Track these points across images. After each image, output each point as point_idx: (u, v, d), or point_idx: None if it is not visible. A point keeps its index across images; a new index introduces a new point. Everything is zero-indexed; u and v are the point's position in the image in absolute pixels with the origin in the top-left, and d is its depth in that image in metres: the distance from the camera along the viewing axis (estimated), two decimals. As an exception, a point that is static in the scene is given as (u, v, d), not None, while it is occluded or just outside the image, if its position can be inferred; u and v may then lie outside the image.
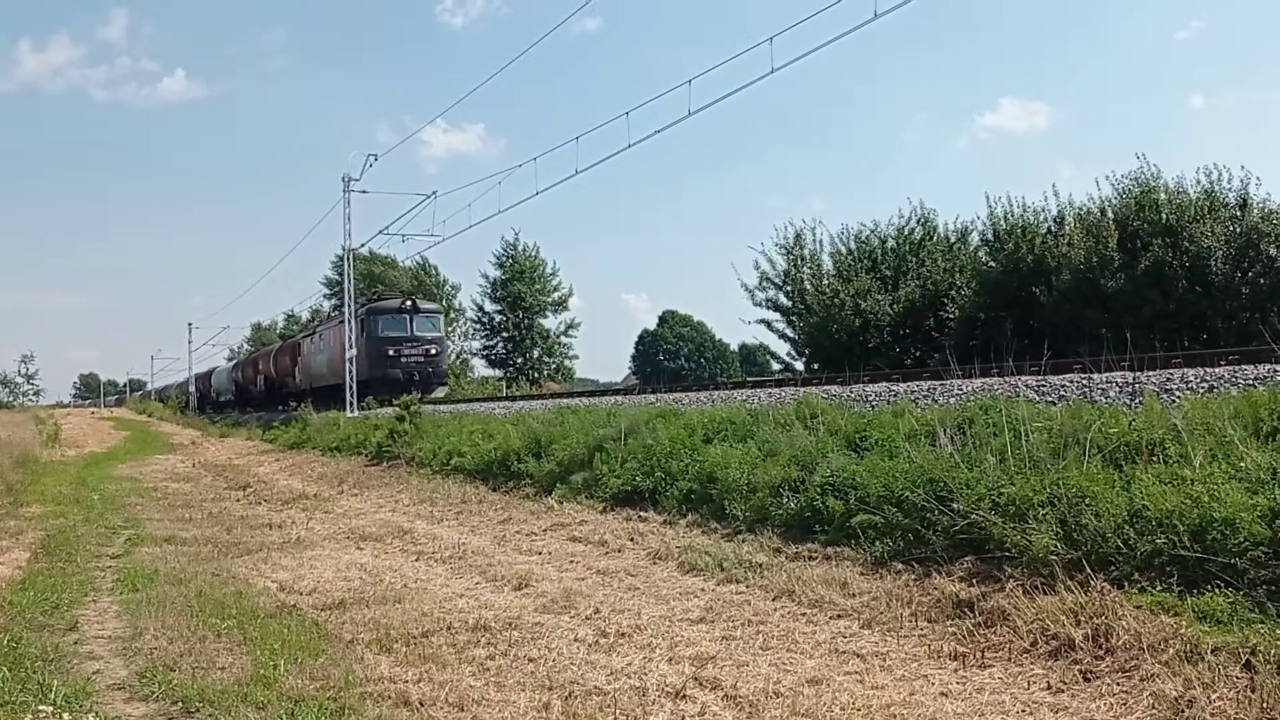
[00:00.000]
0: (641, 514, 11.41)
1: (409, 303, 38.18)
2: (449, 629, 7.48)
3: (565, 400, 23.14)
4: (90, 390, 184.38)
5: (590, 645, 6.90)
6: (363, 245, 43.77)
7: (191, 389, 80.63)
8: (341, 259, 43.85)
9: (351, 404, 33.77)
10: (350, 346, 35.26)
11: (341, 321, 39.65)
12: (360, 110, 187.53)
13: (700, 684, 5.91)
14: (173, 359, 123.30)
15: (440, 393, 37.22)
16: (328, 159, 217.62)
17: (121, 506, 16.93)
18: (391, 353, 35.39)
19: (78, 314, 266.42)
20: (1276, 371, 8.22)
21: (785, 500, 9.36)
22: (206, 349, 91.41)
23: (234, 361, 73.63)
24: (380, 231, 37.67)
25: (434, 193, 33.80)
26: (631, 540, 10.47)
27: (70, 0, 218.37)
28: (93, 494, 18.61)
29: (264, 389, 55.84)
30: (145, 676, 6.30)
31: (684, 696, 5.73)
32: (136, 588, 9.27)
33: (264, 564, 10.90)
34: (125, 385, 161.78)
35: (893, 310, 29.81)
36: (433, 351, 36.52)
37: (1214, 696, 4.87)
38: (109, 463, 29.45)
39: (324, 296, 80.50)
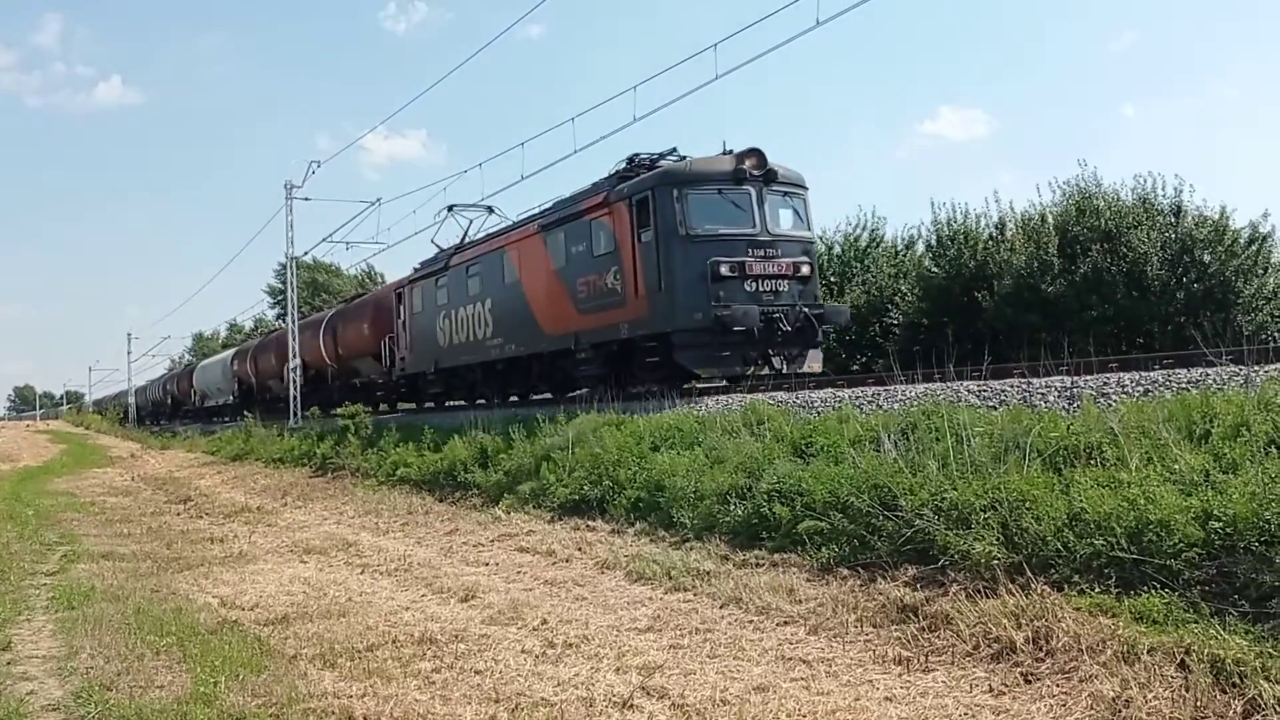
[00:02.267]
0: (589, 523, 11.38)
1: (752, 165, 16.16)
2: (394, 642, 7.41)
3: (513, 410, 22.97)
4: (25, 403, 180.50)
5: (537, 656, 6.87)
6: (306, 253, 43.24)
7: (131, 399, 79.02)
8: (284, 267, 43.24)
9: (295, 413, 33.26)
10: (294, 355, 34.55)
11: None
12: (300, 116, 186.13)
13: (648, 693, 5.91)
14: (111, 370, 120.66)
15: (816, 363, 16.47)
16: (267, 166, 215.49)
17: (57, 522, 16.56)
18: (727, 271, 15.44)
19: (11, 324, 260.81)
20: (1208, 375, 8.41)
21: (732, 507, 9.38)
22: (146, 360, 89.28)
23: (231, 355, 50.64)
24: (324, 239, 37.33)
25: (378, 199, 33.53)
26: (579, 550, 10.44)
27: (0, 6, 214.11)
28: (27, 509, 18.17)
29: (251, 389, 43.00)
30: (81, 697, 6.17)
31: (631, 706, 5.72)
32: (72, 605, 9.07)
33: (205, 579, 10.72)
34: (62, 397, 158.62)
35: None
36: (804, 270, 16.31)
37: (1150, 696, 4.96)
38: (44, 477, 28.80)
39: (268, 305, 79.58)
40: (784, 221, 16.29)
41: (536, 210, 20.36)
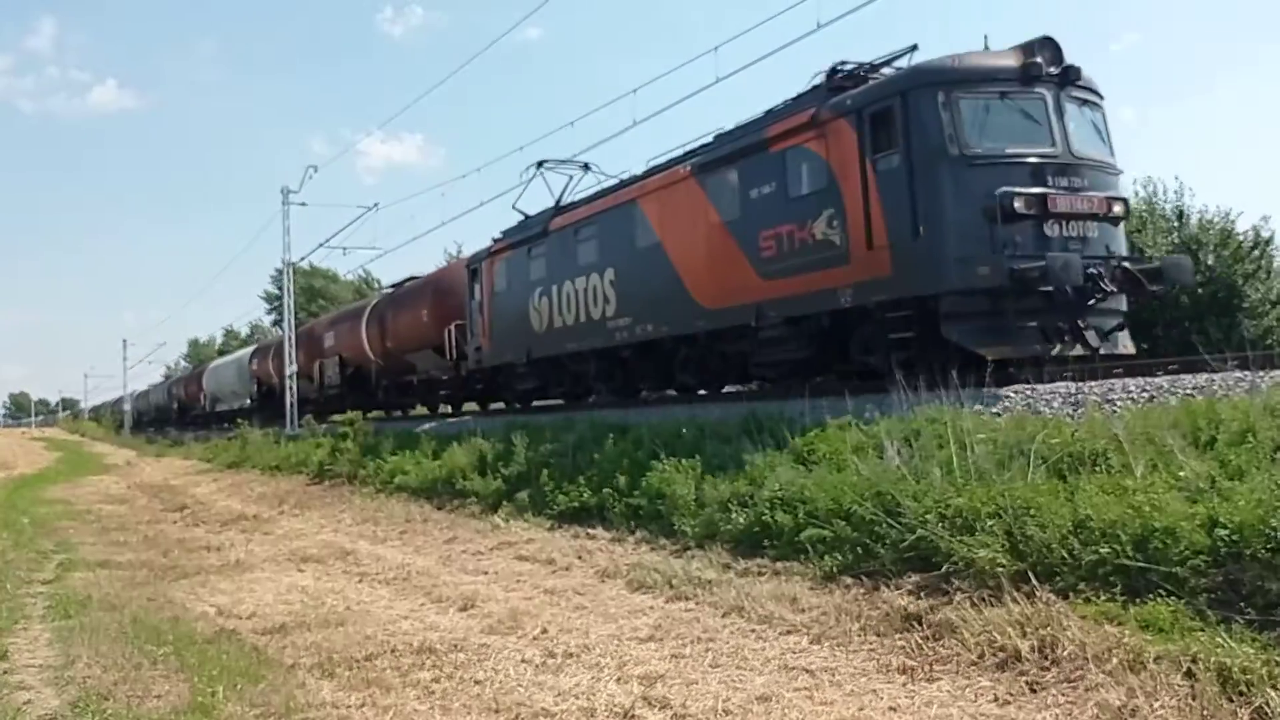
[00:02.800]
0: (589, 531, 11.33)
1: (1047, 59, 11.35)
2: (393, 652, 7.36)
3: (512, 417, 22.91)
4: (21, 410, 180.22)
5: (537, 666, 6.83)
6: (303, 259, 43.20)
7: (128, 406, 78.85)
8: (281, 273, 43.22)
9: (292, 420, 33.20)
10: (290, 362, 34.48)
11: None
12: (296, 120, 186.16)
13: (649, 703, 5.86)
14: (107, 377, 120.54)
15: (1128, 341, 11.71)
16: (263, 170, 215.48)
17: (53, 530, 16.49)
18: (1022, 207, 10.70)
19: (6, 331, 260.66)
20: (1214, 381, 8.39)
21: (734, 515, 9.34)
22: (142, 367, 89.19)
23: (250, 353, 46.49)
24: (321, 244, 37.08)
25: (375, 205, 33.44)
26: (579, 558, 10.39)
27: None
28: (22, 517, 18.10)
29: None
30: (78, 706, 6.12)
31: (633, 716, 5.68)
32: (69, 614, 9.02)
33: (202, 588, 10.68)
34: (58, 404, 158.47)
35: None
36: (1117, 209, 11.57)
37: (1156, 705, 4.93)
38: (40, 485, 28.72)
39: (264, 311, 79.64)
40: (1088, 141, 11.58)
41: (679, 151, 16.06)
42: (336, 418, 25.28)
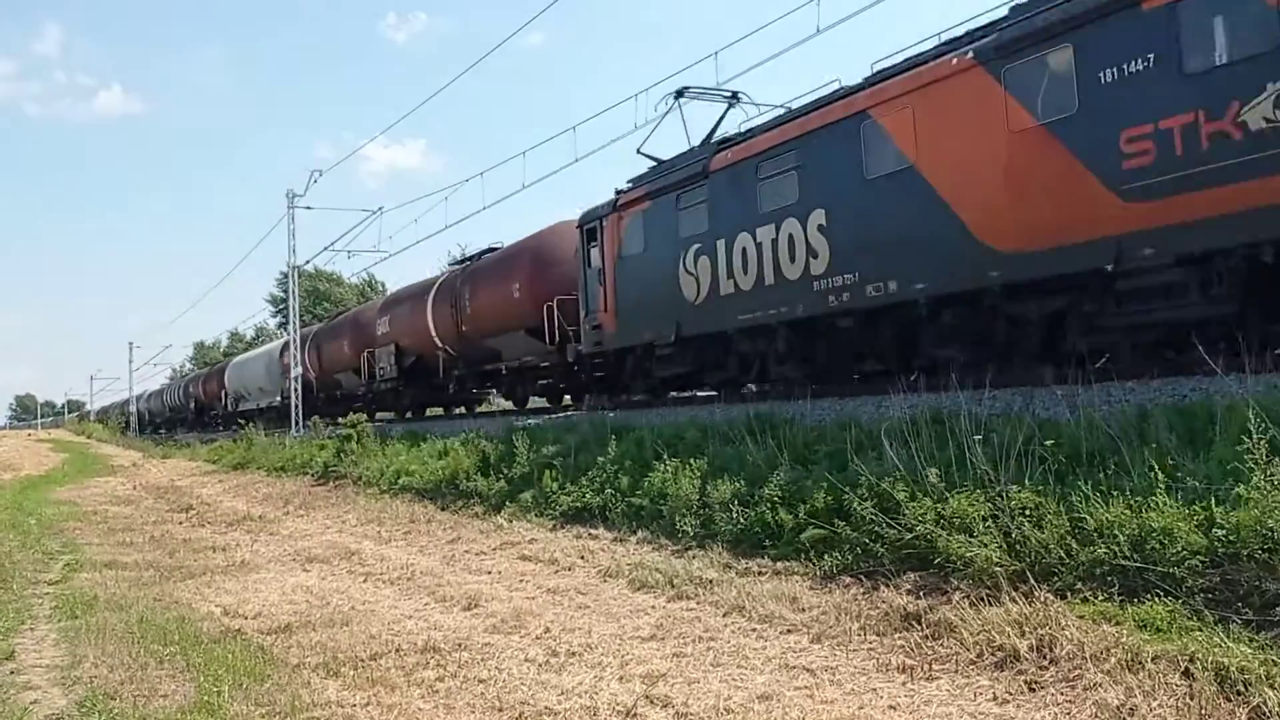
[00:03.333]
0: (592, 531, 11.38)
1: None
2: (397, 651, 7.42)
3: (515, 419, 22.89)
4: (27, 411, 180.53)
5: (541, 665, 6.88)
6: (307, 262, 43.32)
7: (133, 408, 78.87)
8: (286, 276, 43.29)
9: (298, 422, 33.28)
10: (295, 364, 34.56)
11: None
12: (300, 125, 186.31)
13: (651, 702, 5.91)
14: (113, 379, 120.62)
15: None
16: (268, 175, 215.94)
17: (59, 531, 16.57)
18: None
19: (12, 333, 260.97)
20: (1211, 382, 8.37)
21: (735, 515, 9.38)
22: (148, 369, 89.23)
23: (280, 346, 41.56)
24: (326, 248, 37.24)
25: (380, 208, 33.43)
26: (582, 558, 10.44)
27: (1, 14, 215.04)
28: (29, 518, 18.19)
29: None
30: (85, 706, 6.18)
31: (635, 715, 5.73)
32: (75, 614, 9.09)
33: (207, 588, 10.73)
34: (64, 406, 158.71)
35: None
36: None
37: (1154, 704, 4.96)
38: (46, 486, 28.81)
39: (269, 314, 79.83)
40: None
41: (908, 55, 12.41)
42: (344, 419, 24.71)
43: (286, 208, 35.64)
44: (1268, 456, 5.96)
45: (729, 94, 17.58)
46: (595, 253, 18.20)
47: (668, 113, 17.60)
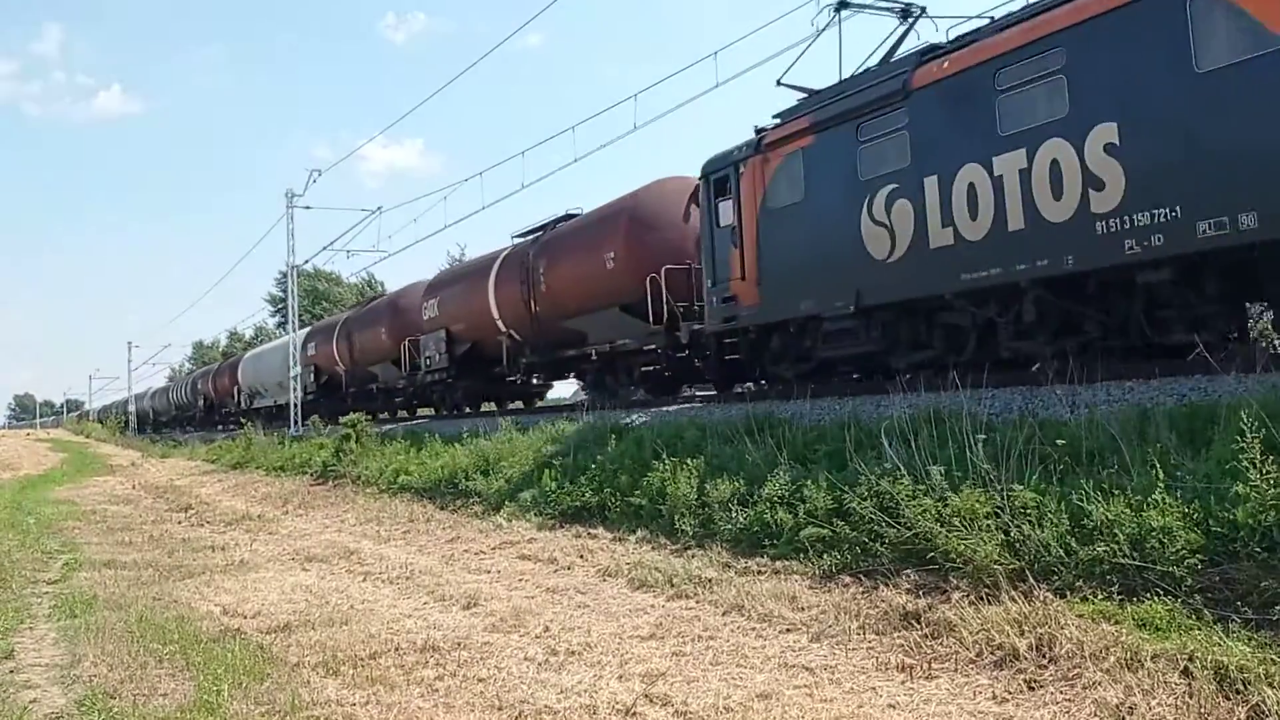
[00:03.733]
0: (591, 530, 11.38)
1: None
2: (397, 650, 7.42)
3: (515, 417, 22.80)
4: (25, 411, 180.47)
5: (540, 664, 6.88)
6: (307, 261, 43.29)
7: (132, 407, 78.73)
8: (285, 275, 43.27)
9: (296, 421, 33.26)
10: (295, 364, 34.56)
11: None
12: (299, 125, 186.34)
13: (650, 701, 5.91)
14: (112, 378, 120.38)
15: None
16: (267, 175, 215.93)
17: (58, 530, 16.56)
18: None
19: (11, 332, 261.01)
20: (1211, 381, 8.37)
21: (734, 514, 9.38)
22: (147, 368, 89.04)
23: (304, 336, 37.51)
24: (325, 248, 37.17)
25: (379, 208, 33.44)
26: (581, 557, 10.44)
27: (1, 14, 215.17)
28: (28, 518, 18.18)
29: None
30: (84, 705, 6.18)
31: (634, 714, 5.73)
32: (75, 614, 9.08)
33: (207, 587, 10.72)
34: (63, 406, 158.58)
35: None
36: None
37: (1153, 703, 4.96)
38: (45, 485, 28.81)
39: (268, 314, 79.79)
40: None
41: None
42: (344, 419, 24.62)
43: (285, 207, 35.70)
44: (1263, 455, 5.96)
45: (900, 7, 13.91)
46: (726, 208, 14.84)
47: (824, 29, 14.16)
